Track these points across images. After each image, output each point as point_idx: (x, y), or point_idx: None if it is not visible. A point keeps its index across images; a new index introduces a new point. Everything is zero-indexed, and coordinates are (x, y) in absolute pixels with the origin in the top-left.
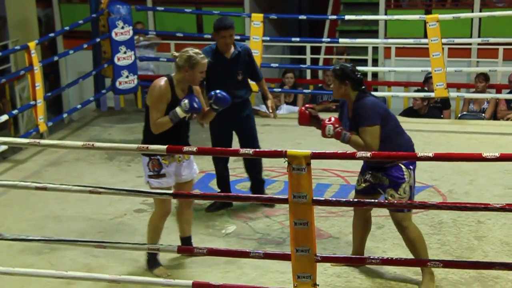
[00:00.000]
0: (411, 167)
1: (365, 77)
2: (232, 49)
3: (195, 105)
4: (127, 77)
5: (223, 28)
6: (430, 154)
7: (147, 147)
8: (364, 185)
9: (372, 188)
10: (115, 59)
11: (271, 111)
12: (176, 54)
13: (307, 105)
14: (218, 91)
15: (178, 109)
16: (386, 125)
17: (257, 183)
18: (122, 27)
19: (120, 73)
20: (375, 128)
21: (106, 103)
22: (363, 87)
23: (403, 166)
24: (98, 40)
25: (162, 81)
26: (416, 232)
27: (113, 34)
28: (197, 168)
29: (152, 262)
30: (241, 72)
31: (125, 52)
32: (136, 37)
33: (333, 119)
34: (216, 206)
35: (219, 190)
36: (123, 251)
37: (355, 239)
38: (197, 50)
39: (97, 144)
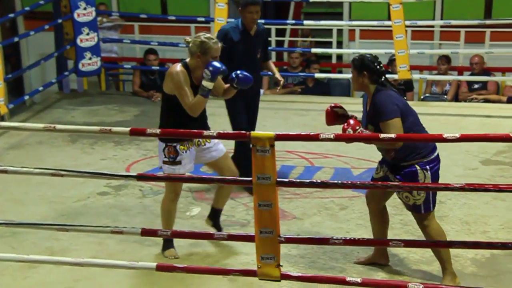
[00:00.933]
0: (427, 167)
1: (329, 59)
2: (255, 27)
3: (217, 65)
4: (90, 59)
5: (252, 4)
6: (392, 136)
7: (110, 129)
8: (382, 174)
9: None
10: (78, 41)
11: (281, 80)
12: (189, 39)
13: (332, 105)
14: (239, 72)
15: (204, 82)
16: (406, 120)
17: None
18: (85, 8)
19: (83, 54)
20: (396, 120)
21: (69, 85)
22: (383, 79)
23: (418, 168)
24: (60, 21)
25: (178, 66)
26: (436, 231)
27: (75, 15)
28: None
29: (166, 245)
30: (260, 51)
31: (87, 34)
32: (99, 18)
33: (352, 121)
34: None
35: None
36: (87, 234)
37: (375, 236)
38: (209, 35)
39: (59, 126)
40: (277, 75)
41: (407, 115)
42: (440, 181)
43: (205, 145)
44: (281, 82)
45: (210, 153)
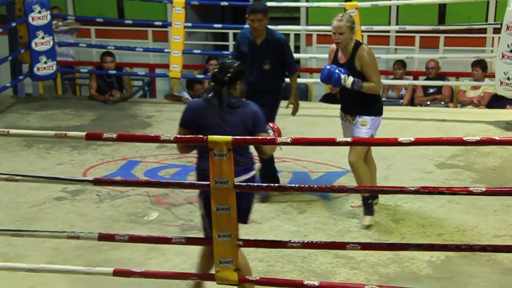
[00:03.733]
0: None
1: None
2: (264, 37)
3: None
4: (45, 62)
5: (251, 12)
6: (349, 139)
7: (65, 134)
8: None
9: None
10: (33, 44)
11: (292, 105)
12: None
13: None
14: None
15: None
16: None
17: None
18: (40, 12)
19: (38, 58)
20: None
21: (24, 89)
22: None
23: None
24: (14, 24)
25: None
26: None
27: (29, 19)
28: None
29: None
30: (268, 62)
31: (43, 37)
32: (54, 22)
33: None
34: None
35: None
36: (42, 240)
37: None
38: None
39: (13, 130)
40: (292, 98)
41: None
42: (396, 184)
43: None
44: (292, 109)
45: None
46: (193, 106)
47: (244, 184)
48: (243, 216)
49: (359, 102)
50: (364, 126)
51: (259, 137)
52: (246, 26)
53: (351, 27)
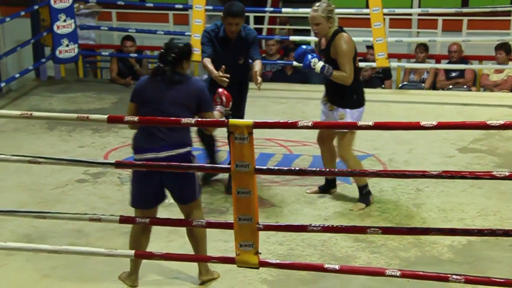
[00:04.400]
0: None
1: None
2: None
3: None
4: (67, 45)
5: (230, 15)
6: (370, 123)
7: (87, 117)
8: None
9: None
10: (55, 27)
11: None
12: None
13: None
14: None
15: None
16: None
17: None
18: None
19: (60, 41)
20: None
21: (46, 72)
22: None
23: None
24: (36, 7)
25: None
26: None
27: (52, 2)
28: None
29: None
30: (243, 57)
31: (64, 20)
32: (76, 5)
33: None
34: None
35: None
36: (64, 222)
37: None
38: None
39: (36, 113)
40: (257, 79)
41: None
42: (418, 169)
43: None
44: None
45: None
46: (140, 82)
47: (265, 168)
48: (181, 196)
49: (336, 92)
50: (342, 120)
51: (280, 121)
52: (216, 23)
53: (328, 16)
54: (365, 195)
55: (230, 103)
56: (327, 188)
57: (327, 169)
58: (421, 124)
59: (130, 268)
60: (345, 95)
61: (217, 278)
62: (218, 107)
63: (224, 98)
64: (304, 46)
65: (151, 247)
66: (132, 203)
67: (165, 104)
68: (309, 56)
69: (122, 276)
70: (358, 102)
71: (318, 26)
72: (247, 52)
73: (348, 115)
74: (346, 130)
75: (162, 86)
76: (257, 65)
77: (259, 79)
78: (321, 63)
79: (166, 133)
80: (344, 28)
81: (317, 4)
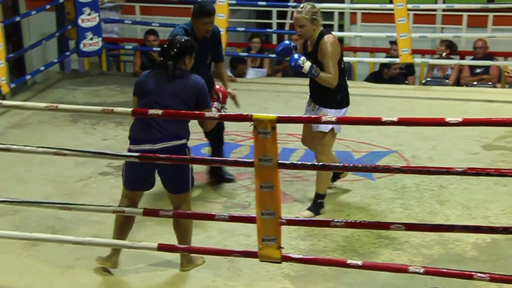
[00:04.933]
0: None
1: None
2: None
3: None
4: (91, 39)
5: (207, 15)
6: (394, 119)
7: (112, 110)
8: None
9: None
10: (79, 21)
11: (233, 95)
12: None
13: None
14: None
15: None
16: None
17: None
18: None
19: (84, 35)
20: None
21: (70, 65)
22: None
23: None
24: (61, 1)
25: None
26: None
27: None
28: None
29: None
30: (210, 54)
31: (89, 14)
32: None
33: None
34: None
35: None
36: (89, 214)
37: None
38: None
39: (61, 105)
40: (229, 89)
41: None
42: (441, 165)
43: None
44: (233, 96)
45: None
46: (141, 76)
47: (288, 162)
48: (172, 185)
49: (320, 93)
50: None
51: (303, 116)
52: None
53: (312, 18)
54: (318, 205)
55: (226, 99)
56: (334, 179)
57: (351, 165)
58: (446, 120)
59: (111, 249)
60: (329, 95)
61: (201, 264)
62: (215, 104)
63: (220, 95)
64: (287, 42)
65: (174, 240)
66: (125, 185)
67: (162, 95)
68: (296, 56)
69: (100, 259)
70: (341, 102)
71: (302, 28)
72: (214, 50)
73: (331, 115)
74: (327, 131)
75: (162, 79)
76: (225, 75)
77: (235, 95)
78: (309, 63)
79: (162, 124)
80: (367, 24)
81: (302, 5)
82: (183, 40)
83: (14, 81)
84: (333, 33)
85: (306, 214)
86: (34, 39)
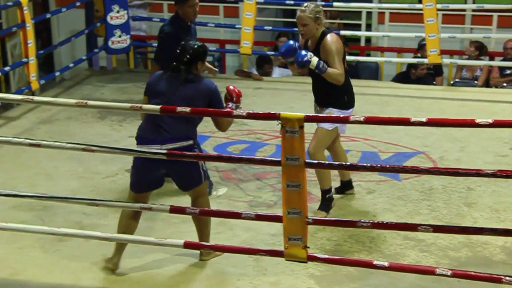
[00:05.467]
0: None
1: (358, 42)
2: None
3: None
4: (119, 36)
5: None
6: (423, 119)
7: (140, 107)
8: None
9: None
10: (108, 18)
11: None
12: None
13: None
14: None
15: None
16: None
17: None
18: None
19: (112, 32)
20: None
21: (99, 62)
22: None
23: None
24: None
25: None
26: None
27: None
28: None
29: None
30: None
31: (118, 11)
32: None
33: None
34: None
35: None
36: (115, 210)
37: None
38: None
39: (90, 102)
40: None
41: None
42: (469, 167)
43: None
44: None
45: None
46: (154, 77)
47: (316, 162)
48: (183, 184)
49: (327, 94)
50: None
51: (331, 115)
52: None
53: (316, 17)
54: (327, 201)
55: (240, 98)
56: (343, 190)
57: (378, 165)
58: (476, 121)
59: (114, 251)
60: (336, 96)
61: (220, 255)
62: (230, 105)
63: (234, 95)
64: (291, 42)
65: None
66: (131, 187)
67: (174, 98)
68: (303, 52)
69: (105, 260)
70: (348, 103)
71: (305, 27)
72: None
73: (336, 115)
74: (330, 129)
75: (174, 82)
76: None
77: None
78: (317, 58)
79: (171, 125)
80: (396, 24)
81: (305, 4)
82: (195, 46)
83: (43, 77)
84: (359, 32)
85: (320, 215)
86: (63, 36)
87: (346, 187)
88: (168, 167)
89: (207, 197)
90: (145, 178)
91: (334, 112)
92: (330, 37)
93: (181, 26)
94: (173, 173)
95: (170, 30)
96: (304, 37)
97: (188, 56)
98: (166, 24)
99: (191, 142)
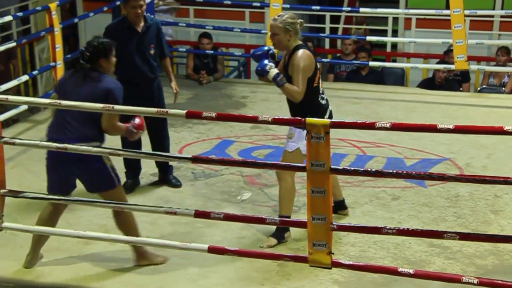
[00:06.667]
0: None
1: (384, 47)
2: (142, 23)
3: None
4: None
5: None
6: (450, 126)
7: (167, 111)
8: None
9: None
10: None
11: (175, 92)
12: None
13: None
14: None
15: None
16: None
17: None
18: None
19: None
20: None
21: None
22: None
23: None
24: (118, 3)
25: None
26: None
27: None
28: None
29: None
30: (153, 47)
31: None
32: (155, 1)
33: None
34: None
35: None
36: (140, 214)
37: None
38: None
39: (117, 106)
40: (173, 83)
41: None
42: (496, 175)
43: None
44: (175, 93)
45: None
46: (64, 74)
47: (341, 168)
48: (90, 186)
49: (294, 112)
50: (290, 139)
51: (357, 121)
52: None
53: (286, 28)
54: (281, 230)
55: (140, 131)
56: (336, 210)
57: (404, 171)
58: (505, 129)
59: (30, 247)
60: (299, 114)
61: (160, 262)
62: (129, 123)
63: (137, 124)
64: (266, 48)
65: (222, 243)
66: (48, 189)
67: (74, 97)
68: (266, 61)
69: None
70: None
71: (274, 37)
72: (156, 42)
73: (296, 135)
74: (290, 151)
75: (77, 81)
76: (169, 70)
77: (175, 87)
78: (276, 70)
79: (75, 126)
80: (422, 30)
81: (280, 14)
82: (96, 42)
83: None
84: (385, 38)
85: (269, 242)
86: None
87: (338, 206)
88: (75, 168)
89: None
90: (57, 179)
91: (294, 132)
92: (301, 53)
93: (123, 26)
94: (81, 175)
95: (108, 29)
96: (275, 47)
97: (88, 54)
98: (113, 22)
99: (95, 143)
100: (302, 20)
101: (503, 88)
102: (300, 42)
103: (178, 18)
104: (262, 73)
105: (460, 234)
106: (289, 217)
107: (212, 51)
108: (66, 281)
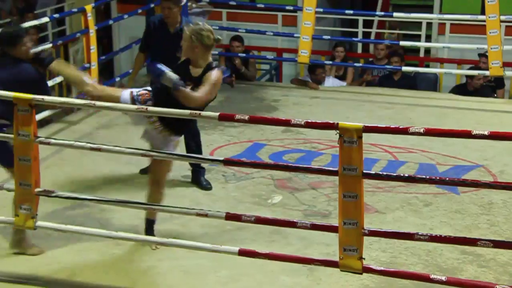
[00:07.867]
0: None
1: (417, 53)
2: (178, 25)
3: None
4: None
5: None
6: (485, 132)
7: (199, 114)
8: None
9: None
10: None
11: None
12: None
13: None
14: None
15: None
16: None
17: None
18: None
19: None
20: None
21: None
22: None
23: None
24: (152, 5)
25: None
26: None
27: None
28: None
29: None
30: (181, 50)
31: None
32: (189, 3)
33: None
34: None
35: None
36: (170, 216)
37: None
38: None
39: (151, 108)
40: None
41: None
42: None
43: None
44: None
45: None
46: None
47: (373, 172)
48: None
49: (178, 120)
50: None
51: (390, 126)
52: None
53: (192, 37)
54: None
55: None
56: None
57: (437, 177)
58: None
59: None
60: (186, 125)
61: (34, 254)
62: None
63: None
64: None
65: (253, 246)
66: None
67: None
68: (164, 67)
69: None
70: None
71: (183, 44)
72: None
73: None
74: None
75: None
76: None
77: None
78: (176, 76)
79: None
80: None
81: (195, 22)
82: (1, 32)
83: (103, 82)
84: (418, 43)
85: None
86: (123, 43)
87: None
88: None
89: None
90: None
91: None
92: (217, 73)
93: (162, 22)
94: None
95: (150, 20)
96: (183, 55)
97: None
98: (155, 16)
99: (2, 121)
100: (214, 36)
101: None
102: (211, 60)
103: (210, 21)
104: (159, 73)
105: (494, 241)
106: (154, 221)
107: (244, 54)
108: (97, 279)
